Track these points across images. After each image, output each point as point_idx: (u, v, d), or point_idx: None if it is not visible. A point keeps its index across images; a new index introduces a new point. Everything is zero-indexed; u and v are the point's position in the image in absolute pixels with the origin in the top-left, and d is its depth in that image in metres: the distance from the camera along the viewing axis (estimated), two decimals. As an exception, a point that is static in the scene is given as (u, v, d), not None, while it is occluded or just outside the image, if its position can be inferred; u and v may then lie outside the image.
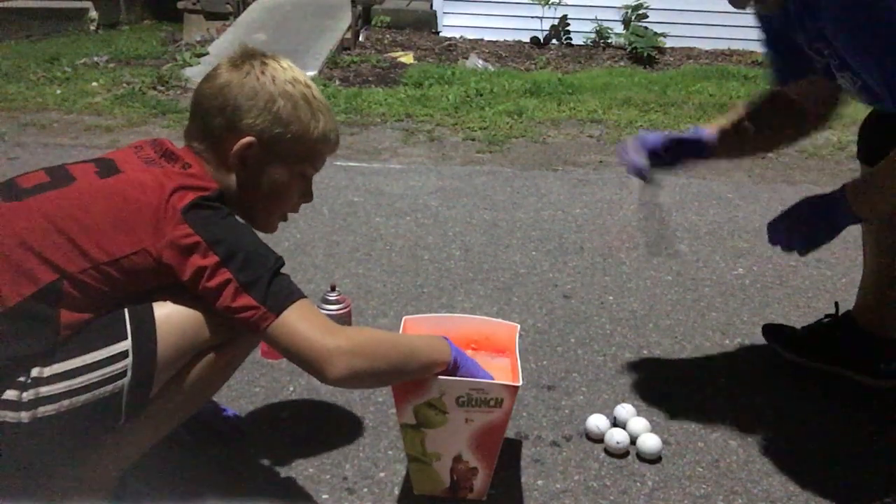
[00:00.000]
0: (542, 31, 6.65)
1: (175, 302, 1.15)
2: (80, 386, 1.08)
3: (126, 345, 1.10)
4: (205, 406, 1.64)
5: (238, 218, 1.22)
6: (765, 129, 1.63)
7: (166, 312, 1.14)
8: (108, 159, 1.22)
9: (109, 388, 1.09)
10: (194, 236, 1.11)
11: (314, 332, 1.13)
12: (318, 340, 1.12)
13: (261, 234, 1.25)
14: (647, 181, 1.51)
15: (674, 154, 1.58)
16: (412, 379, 1.27)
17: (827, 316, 1.92)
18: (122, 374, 1.10)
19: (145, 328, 1.12)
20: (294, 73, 1.27)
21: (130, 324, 1.11)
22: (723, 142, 1.60)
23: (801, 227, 1.42)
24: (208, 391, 1.29)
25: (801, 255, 1.44)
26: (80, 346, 1.09)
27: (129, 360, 1.10)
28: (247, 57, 1.25)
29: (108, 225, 1.11)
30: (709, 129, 1.61)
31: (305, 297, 1.17)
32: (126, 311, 1.12)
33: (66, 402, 1.07)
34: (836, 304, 1.92)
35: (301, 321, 1.13)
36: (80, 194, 1.14)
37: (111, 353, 1.09)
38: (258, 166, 1.25)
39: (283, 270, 1.18)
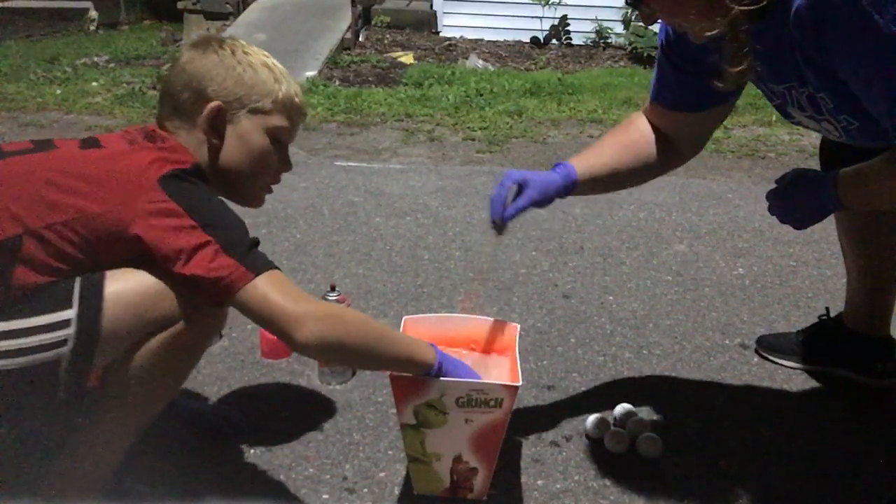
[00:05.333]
0: (542, 31, 6.66)
1: (131, 276, 1.13)
2: (15, 348, 1.06)
3: (70, 314, 1.08)
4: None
5: (220, 197, 1.23)
6: (636, 173, 1.56)
7: (119, 287, 1.12)
8: (94, 137, 1.25)
9: (48, 354, 1.08)
10: (170, 202, 1.12)
11: (288, 296, 1.13)
12: (290, 304, 1.13)
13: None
14: (500, 233, 1.43)
15: (536, 204, 1.45)
16: (386, 368, 1.27)
17: (820, 317, 1.92)
18: (63, 343, 1.08)
19: (93, 299, 1.10)
20: (252, 48, 1.31)
21: (79, 293, 1.10)
22: (587, 185, 1.50)
23: (793, 209, 1.42)
24: (174, 377, 1.26)
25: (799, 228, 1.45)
26: (25, 308, 1.07)
27: (71, 330, 1.08)
28: (205, 39, 1.31)
29: (82, 184, 1.12)
30: (577, 166, 1.48)
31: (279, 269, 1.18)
32: (78, 280, 1.11)
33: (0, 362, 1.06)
34: (827, 308, 1.92)
35: (276, 286, 1.13)
36: (59, 159, 1.17)
37: (54, 321, 1.08)
38: (230, 131, 1.27)
39: (279, 270, 1.18)
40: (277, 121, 1.29)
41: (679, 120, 1.53)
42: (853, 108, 1.25)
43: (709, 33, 1.21)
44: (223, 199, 1.25)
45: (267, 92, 1.27)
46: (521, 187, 1.42)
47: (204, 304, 1.17)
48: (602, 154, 1.53)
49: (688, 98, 1.49)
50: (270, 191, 1.37)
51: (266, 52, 1.32)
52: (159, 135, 1.25)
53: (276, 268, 1.16)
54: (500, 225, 1.42)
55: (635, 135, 1.57)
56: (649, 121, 1.58)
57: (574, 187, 1.47)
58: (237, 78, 1.25)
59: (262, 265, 1.14)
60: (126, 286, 1.13)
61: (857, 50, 1.12)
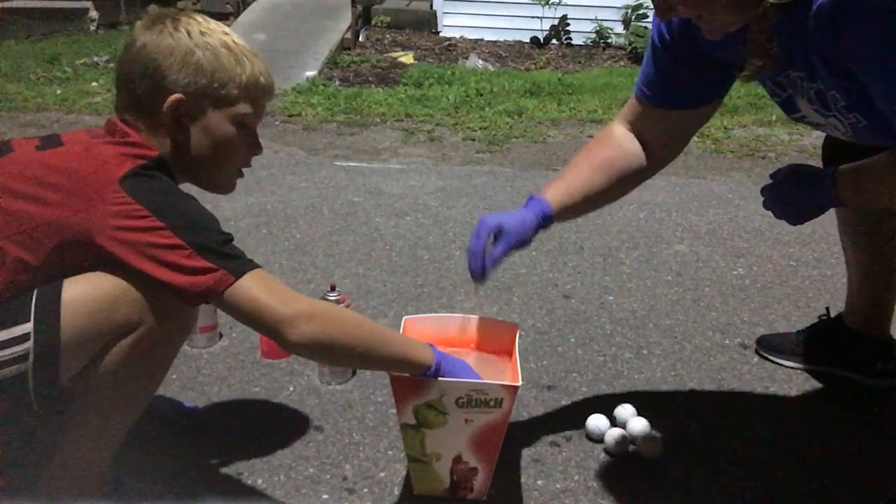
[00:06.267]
0: (542, 31, 6.66)
1: (89, 283, 1.10)
2: None
3: (28, 327, 1.07)
4: (164, 402, 1.62)
5: (182, 188, 1.19)
6: (611, 191, 1.53)
7: (75, 294, 1.09)
8: (55, 135, 1.21)
9: (13, 369, 1.07)
10: (133, 204, 1.08)
11: (276, 296, 1.11)
12: (280, 304, 1.11)
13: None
14: (480, 283, 1.41)
15: (515, 248, 1.44)
16: (381, 369, 1.25)
17: (820, 317, 1.92)
18: (25, 358, 1.07)
19: (49, 311, 1.08)
20: (209, 24, 1.23)
21: (35, 305, 1.08)
22: (564, 214, 1.48)
23: (789, 205, 1.41)
24: (149, 378, 1.22)
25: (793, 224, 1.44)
26: None
27: (30, 344, 1.07)
28: (159, 17, 1.22)
29: (41, 190, 1.09)
30: (550, 199, 1.46)
31: (260, 266, 1.15)
32: (34, 292, 1.09)
33: None
34: (827, 308, 1.92)
35: (261, 285, 1.11)
36: (14, 163, 1.13)
37: (12, 336, 1.07)
38: (193, 122, 1.21)
39: (261, 268, 1.15)
40: (243, 108, 1.22)
41: (668, 119, 1.50)
42: (865, 106, 1.24)
43: (730, 28, 1.20)
44: (192, 190, 1.21)
45: (229, 77, 1.20)
46: (496, 235, 1.40)
47: (171, 306, 1.13)
48: (574, 181, 1.50)
49: (686, 94, 1.48)
50: (241, 175, 1.32)
51: (227, 29, 1.24)
52: (119, 128, 1.19)
53: (257, 266, 1.14)
54: (480, 277, 1.40)
55: (608, 151, 1.54)
56: (630, 122, 1.54)
57: (550, 222, 1.46)
58: (196, 65, 1.17)
59: (242, 266, 1.11)
60: (84, 293, 1.10)
61: (879, 53, 1.11)
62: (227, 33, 1.23)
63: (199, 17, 1.23)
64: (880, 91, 1.16)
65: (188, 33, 1.19)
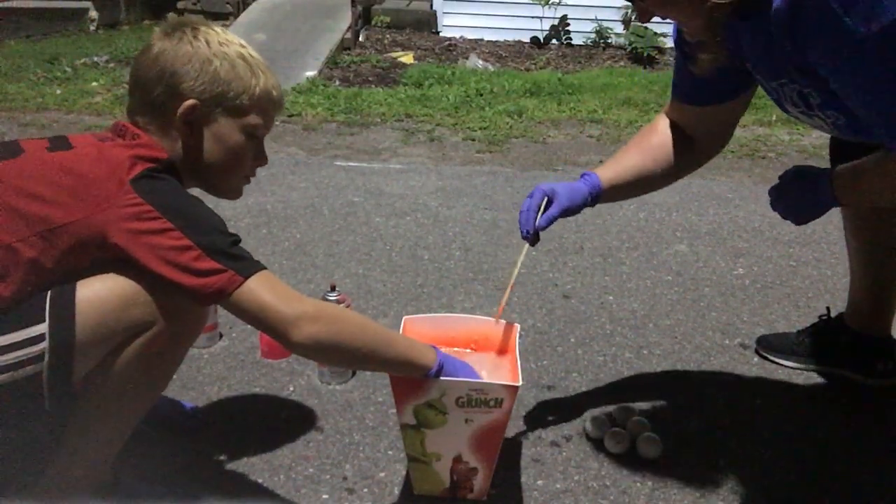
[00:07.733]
0: (542, 31, 6.66)
1: (102, 283, 1.12)
2: None
3: (43, 328, 1.08)
4: (164, 402, 1.61)
5: (190, 191, 1.20)
6: (660, 175, 1.59)
7: (89, 294, 1.10)
8: (63, 136, 1.22)
9: (28, 369, 1.07)
10: (145, 205, 1.10)
11: (281, 297, 1.13)
12: (284, 305, 1.12)
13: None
14: (532, 245, 1.47)
15: (566, 213, 1.49)
16: (383, 370, 1.26)
17: (820, 317, 1.92)
18: (40, 357, 1.08)
19: (64, 311, 1.09)
20: (227, 35, 1.26)
21: (50, 306, 1.08)
22: (613, 191, 1.54)
23: (792, 205, 1.43)
24: (157, 378, 1.24)
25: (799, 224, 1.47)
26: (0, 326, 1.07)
27: (45, 344, 1.08)
28: (178, 25, 1.24)
29: (54, 193, 1.10)
30: (602, 175, 1.53)
31: (266, 268, 1.16)
32: (49, 292, 1.09)
33: None
34: (828, 308, 1.93)
35: (267, 286, 1.13)
36: (27, 165, 1.13)
37: (28, 336, 1.07)
38: (205, 128, 1.23)
39: (267, 269, 1.16)
40: (254, 119, 1.25)
41: (698, 114, 1.56)
42: (839, 104, 1.26)
43: (698, 30, 1.25)
44: (200, 194, 1.22)
45: (244, 88, 1.23)
46: (549, 199, 1.46)
47: (182, 306, 1.15)
48: (625, 161, 1.58)
49: (704, 91, 1.52)
50: (248, 181, 1.34)
51: (243, 42, 1.27)
52: (130, 130, 1.20)
53: (264, 267, 1.15)
54: (532, 237, 1.45)
55: (656, 138, 1.60)
56: (671, 119, 1.60)
57: (600, 195, 1.52)
58: (213, 73, 1.20)
59: (249, 267, 1.13)
60: (97, 294, 1.11)
61: (831, 55, 1.14)
62: (243, 46, 1.26)
63: (219, 28, 1.26)
64: (840, 93, 1.19)
65: (207, 42, 1.22)
